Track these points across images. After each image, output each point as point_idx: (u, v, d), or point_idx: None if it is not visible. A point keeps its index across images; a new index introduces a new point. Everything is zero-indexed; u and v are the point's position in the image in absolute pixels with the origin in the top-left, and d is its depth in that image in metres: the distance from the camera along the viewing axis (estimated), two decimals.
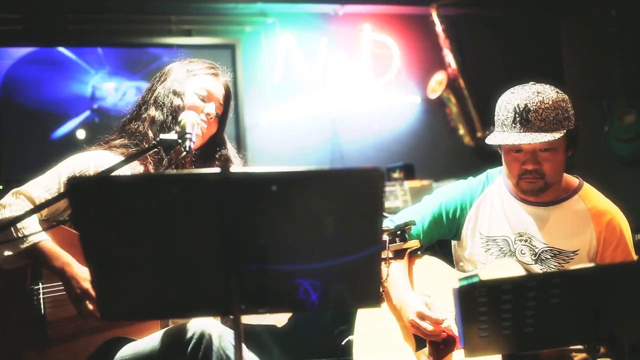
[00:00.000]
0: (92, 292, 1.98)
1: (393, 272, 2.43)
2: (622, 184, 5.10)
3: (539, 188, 2.35)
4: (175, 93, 2.29)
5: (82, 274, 2.00)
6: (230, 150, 2.43)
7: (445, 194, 2.57)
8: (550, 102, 2.29)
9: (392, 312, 2.48)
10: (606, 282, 1.69)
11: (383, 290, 1.84)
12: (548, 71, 5.58)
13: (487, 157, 5.55)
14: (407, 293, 2.43)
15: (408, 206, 4.72)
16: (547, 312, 1.68)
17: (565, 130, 2.28)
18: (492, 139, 2.36)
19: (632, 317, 1.77)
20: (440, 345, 2.36)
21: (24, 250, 2.02)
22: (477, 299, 1.62)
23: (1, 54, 4.77)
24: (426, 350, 2.38)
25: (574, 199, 2.42)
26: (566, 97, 2.35)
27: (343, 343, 2.56)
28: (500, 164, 2.50)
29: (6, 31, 4.74)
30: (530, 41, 5.77)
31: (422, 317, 2.33)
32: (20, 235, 2.01)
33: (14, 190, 2.12)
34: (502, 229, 2.46)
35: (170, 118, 2.25)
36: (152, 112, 2.27)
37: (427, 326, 2.32)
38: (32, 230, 2.03)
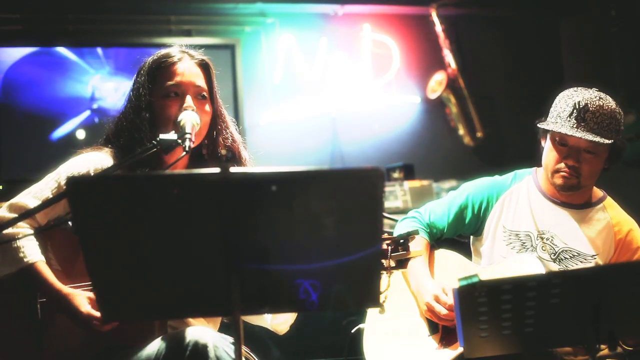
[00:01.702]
0: (94, 313, 1.94)
1: (412, 263, 2.45)
2: (622, 184, 5.10)
3: (570, 185, 2.41)
4: (140, 109, 2.16)
5: (79, 298, 1.97)
6: (236, 135, 2.30)
7: (473, 187, 2.62)
8: (609, 110, 2.38)
9: (413, 293, 2.51)
10: (606, 282, 1.69)
11: (383, 301, 1.84)
12: (548, 71, 5.59)
13: (486, 157, 5.58)
14: (425, 278, 2.48)
15: (407, 206, 4.78)
16: (547, 312, 1.68)
17: (612, 141, 2.35)
18: (544, 125, 2.43)
19: (633, 317, 1.77)
20: (452, 331, 2.38)
21: (20, 269, 1.98)
22: (476, 299, 1.62)
23: (1, 54, 4.77)
24: (438, 335, 2.41)
25: (598, 207, 2.50)
26: (622, 114, 2.44)
27: (353, 331, 2.57)
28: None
29: (6, 31, 4.75)
30: (530, 41, 5.77)
31: (438, 300, 2.38)
32: (19, 255, 1.98)
33: (10, 202, 2.06)
34: (527, 224, 2.51)
35: (149, 131, 2.14)
36: (129, 126, 2.17)
37: (442, 309, 2.36)
38: (30, 250, 1.99)
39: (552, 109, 2.46)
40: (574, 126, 2.35)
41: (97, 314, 1.94)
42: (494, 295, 1.63)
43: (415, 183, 4.97)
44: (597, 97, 2.39)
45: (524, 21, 5.84)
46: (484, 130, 5.40)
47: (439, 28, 5.51)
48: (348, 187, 1.43)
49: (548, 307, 1.67)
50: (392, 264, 1.90)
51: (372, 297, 1.52)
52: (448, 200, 2.63)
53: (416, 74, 5.59)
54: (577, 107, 2.36)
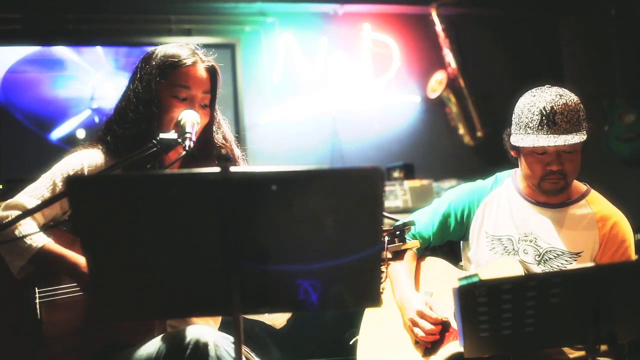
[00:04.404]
0: None
1: (398, 270, 2.52)
2: (622, 184, 5.10)
3: (560, 188, 2.41)
4: (147, 102, 2.14)
5: None
6: (228, 134, 2.32)
7: (454, 194, 2.63)
8: (573, 104, 2.36)
9: (397, 305, 2.53)
10: (606, 282, 1.69)
11: (381, 292, 1.85)
12: (548, 71, 5.59)
13: (486, 157, 5.58)
14: (410, 292, 2.49)
15: (407, 206, 4.78)
16: (547, 312, 1.68)
17: (586, 131, 2.35)
18: (521, 142, 2.37)
19: (633, 317, 1.77)
20: (430, 344, 2.42)
21: (32, 257, 1.99)
22: (477, 299, 1.62)
23: (1, 54, 4.77)
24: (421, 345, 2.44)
25: (580, 203, 2.48)
26: (581, 103, 2.41)
27: (351, 343, 2.59)
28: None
29: (6, 31, 4.74)
30: (530, 41, 5.77)
31: (422, 316, 2.40)
32: (26, 243, 1.98)
33: (6, 202, 2.06)
34: (508, 228, 2.50)
35: (150, 127, 2.13)
36: (131, 120, 2.15)
37: (426, 325, 2.38)
38: (35, 236, 1.99)
39: (516, 119, 2.42)
40: (548, 132, 2.31)
41: None
42: (494, 295, 1.63)
43: (416, 182, 4.97)
44: (558, 96, 2.35)
45: (524, 21, 5.83)
46: (484, 129, 5.40)
47: (439, 27, 5.50)
48: (348, 187, 1.43)
49: (548, 306, 1.67)
50: (389, 255, 1.91)
51: (372, 296, 1.52)
52: (432, 209, 2.63)
53: (416, 74, 5.58)
54: (544, 112, 2.33)
